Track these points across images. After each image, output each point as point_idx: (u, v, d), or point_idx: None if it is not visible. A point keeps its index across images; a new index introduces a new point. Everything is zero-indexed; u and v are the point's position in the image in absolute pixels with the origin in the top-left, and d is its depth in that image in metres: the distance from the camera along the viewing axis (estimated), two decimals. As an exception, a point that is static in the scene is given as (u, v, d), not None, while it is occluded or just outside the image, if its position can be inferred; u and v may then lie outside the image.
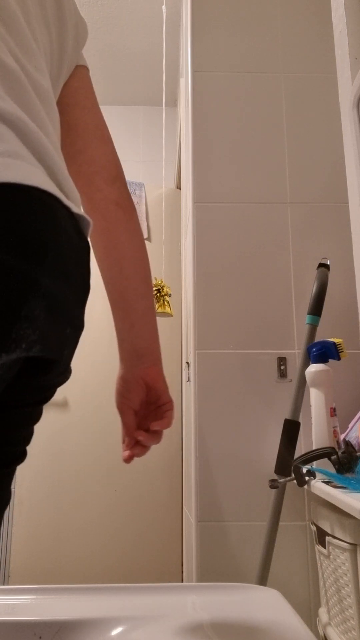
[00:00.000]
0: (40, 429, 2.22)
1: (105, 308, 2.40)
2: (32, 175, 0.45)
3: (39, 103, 0.53)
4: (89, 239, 0.55)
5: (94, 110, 0.73)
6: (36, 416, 0.56)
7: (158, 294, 1.89)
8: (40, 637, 0.62)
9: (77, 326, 0.51)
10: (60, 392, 2.34)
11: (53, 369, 0.50)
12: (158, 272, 2.46)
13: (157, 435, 0.68)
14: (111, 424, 2.34)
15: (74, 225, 0.50)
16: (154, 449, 2.30)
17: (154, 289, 1.90)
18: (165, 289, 1.90)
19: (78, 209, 0.51)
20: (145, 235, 2.61)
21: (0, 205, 0.41)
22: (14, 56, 0.51)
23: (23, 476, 2.26)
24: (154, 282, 1.93)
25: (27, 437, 0.56)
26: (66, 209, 0.49)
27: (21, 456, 0.56)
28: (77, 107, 0.70)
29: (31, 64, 0.54)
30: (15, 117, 0.46)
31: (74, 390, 2.35)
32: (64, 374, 0.53)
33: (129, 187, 0.77)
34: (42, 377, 0.50)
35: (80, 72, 0.71)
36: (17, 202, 0.42)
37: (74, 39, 0.68)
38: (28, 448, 0.57)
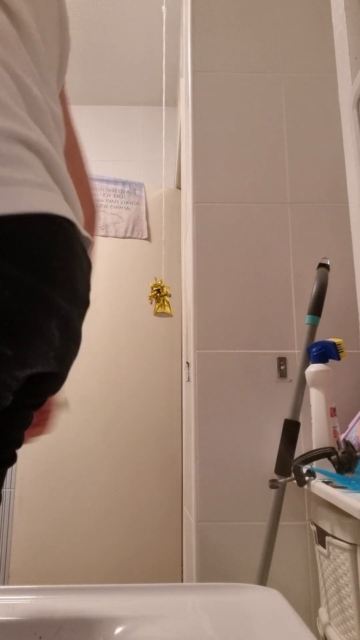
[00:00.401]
0: (40, 429, 2.14)
1: (106, 313, 2.42)
2: (58, 204, 0.50)
3: (55, 130, 0.56)
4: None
5: (71, 125, 0.76)
6: (28, 421, 0.59)
7: (158, 294, 1.89)
8: (40, 637, 0.62)
9: (79, 341, 0.56)
10: (60, 392, 2.34)
11: (52, 379, 0.54)
12: (158, 272, 2.46)
13: (29, 438, 0.70)
14: (110, 424, 2.34)
15: (82, 247, 0.55)
16: (154, 449, 2.30)
17: (155, 289, 1.90)
18: (165, 289, 1.90)
19: (84, 230, 0.56)
20: (145, 235, 2.61)
21: (34, 234, 0.46)
22: (37, 84, 0.54)
23: (23, 476, 2.26)
24: (154, 282, 1.93)
25: (19, 440, 0.58)
26: (79, 233, 0.54)
27: (12, 459, 0.58)
28: None
29: (48, 91, 0.57)
30: (43, 148, 0.50)
31: (74, 391, 2.35)
32: (60, 382, 0.58)
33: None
34: (40, 384, 0.54)
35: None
36: (47, 231, 0.48)
37: (68, 57, 0.71)
38: (29, 447, 0.58)
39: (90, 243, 0.57)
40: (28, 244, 0.45)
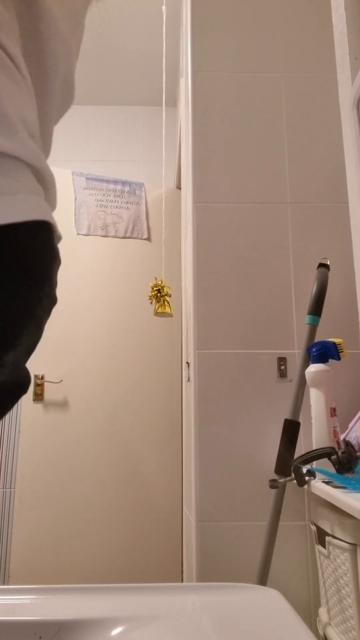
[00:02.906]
0: (40, 429, 2.22)
1: (106, 313, 2.42)
2: (44, 209, 0.50)
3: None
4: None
5: None
6: None
7: (158, 294, 1.89)
8: (40, 637, 0.62)
9: (39, 339, 0.57)
10: (61, 392, 2.34)
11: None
12: (158, 272, 2.45)
13: None
14: (111, 425, 2.34)
15: (57, 247, 0.56)
16: (154, 449, 2.30)
17: (155, 289, 1.90)
18: (165, 289, 1.90)
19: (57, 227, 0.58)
20: (145, 235, 2.61)
21: (25, 242, 0.47)
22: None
23: (23, 476, 2.26)
24: (154, 282, 1.93)
25: None
26: (56, 233, 0.54)
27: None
28: None
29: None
30: (27, 153, 0.50)
31: (74, 391, 2.36)
32: (27, 387, 0.58)
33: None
34: None
35: None
36: (37, 238, 0.49)
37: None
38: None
39: (60, 239, 0.58)
40: (20, 252, 0.46)
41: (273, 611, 0.66)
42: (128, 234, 2.59)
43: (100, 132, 3.01)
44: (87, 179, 2.64)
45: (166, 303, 1.89)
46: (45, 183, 0.53)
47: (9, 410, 0.54)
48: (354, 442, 1.27)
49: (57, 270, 0.56)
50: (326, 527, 1.11)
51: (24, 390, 0.54)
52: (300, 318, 1.51)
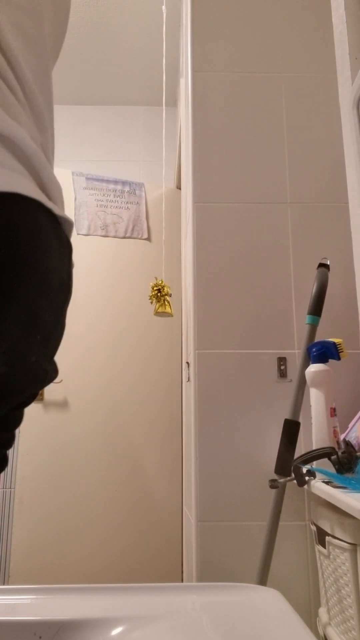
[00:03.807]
0: (40, 429, 2.22)
1: (106, 313, 2.42)
2: (18, 183, 0.45)
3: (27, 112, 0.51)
4: (70, 240, 0.55)
5: None
6: (17, 420, 0.56)
7: (159, 294, 1.89)
8: (40, 637, 0.62)
9: (51, 332, 0.52)
10: (60, 392, 2.34)
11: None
12: (158, 272, 2.46)
13: None
14: (111, 425, 2.34)
15: (55, 230, 0.50)
16: (154, 449, 2.30)
17: (155, 288, 1.90)
18: (165, 289, 1.90)
19: (61, 209, 0.51)
20: (145, 235, 2.61)
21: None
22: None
23: (23, 476, 2.26)
24: (154, 282, 1.93)
25: (8, 440, 0.55)
26: (49, 212, 0.49)
27: (3, 460, 0.55)
28: None
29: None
30: (7, 134, 0.46)
31: (74, 390, 2.35)
32: (40, 376, 0.52)
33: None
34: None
35: None
36: (7, 217, 0.43)
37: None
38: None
39: (71, 225, 0.53)
40: None
41: (273, 611, 0.66)
42: (128, 234, 2.59)
43: (100, 132, 3.01)
44: (87, 179, 2.64)
45: (166, 303, 1.89)
46: (28, 159, 0.47)
47: (13, 403, 0.50)
48: (354, 442, 1.28)
49: (56, 254, 0.50)
50: (326, 527, 1.11)
51: (34, 385, 0.50)
52: (300, 318, 1.51)
